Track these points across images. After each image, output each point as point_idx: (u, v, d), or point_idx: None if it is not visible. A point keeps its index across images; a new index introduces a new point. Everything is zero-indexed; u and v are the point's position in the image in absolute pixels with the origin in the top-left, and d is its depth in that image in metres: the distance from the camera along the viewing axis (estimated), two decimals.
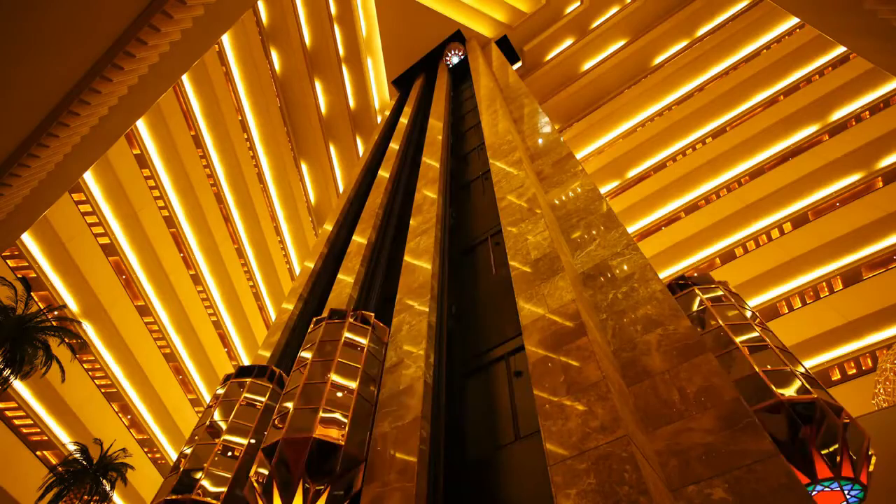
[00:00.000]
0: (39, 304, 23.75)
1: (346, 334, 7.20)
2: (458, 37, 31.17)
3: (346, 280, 11.52)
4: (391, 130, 25.81)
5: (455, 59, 29.89)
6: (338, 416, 5.90)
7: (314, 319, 7.92)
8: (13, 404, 25.22)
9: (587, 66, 33.67)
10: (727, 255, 25.26)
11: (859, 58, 21.88)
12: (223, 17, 13.38)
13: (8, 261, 24.63)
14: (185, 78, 29.78)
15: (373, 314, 7.91)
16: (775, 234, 24.26)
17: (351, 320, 7.50)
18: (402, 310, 8.21)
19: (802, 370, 6.45)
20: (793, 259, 22.24)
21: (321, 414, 5.77)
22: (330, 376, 6.38)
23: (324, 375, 6.45)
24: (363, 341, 7.28)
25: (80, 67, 11.05)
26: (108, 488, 22.73)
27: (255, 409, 7.47)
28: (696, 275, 8.42)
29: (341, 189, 37.30)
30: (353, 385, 6.41)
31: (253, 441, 6.97)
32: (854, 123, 24.14)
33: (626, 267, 6.30)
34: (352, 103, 34.53)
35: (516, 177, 9.33)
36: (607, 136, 33.02)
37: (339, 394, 6.28)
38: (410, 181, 16.54)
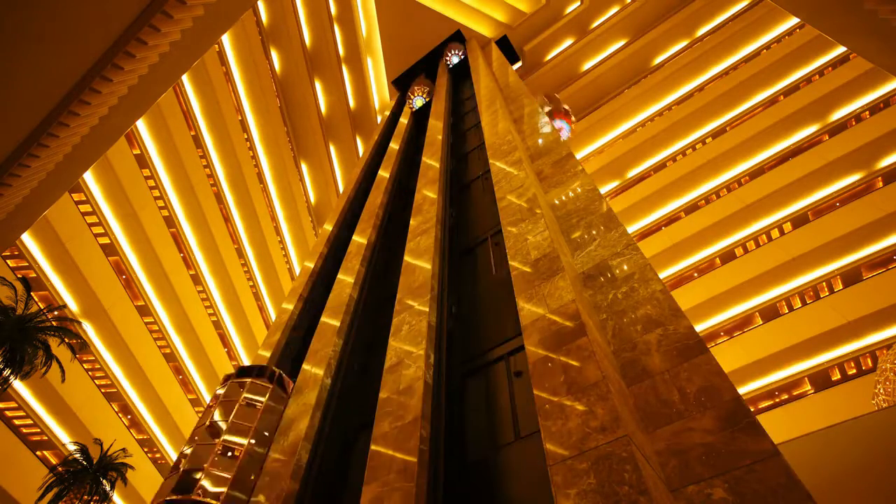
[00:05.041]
0: (39, 304, 23.75)
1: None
2: (458, 37, 31.15)
3: (346, 280, 11.53)
4: (391, 130, 25.82)
5: (455, 59, 29.77)
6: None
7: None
8: (13, 404, 25.21)
9: (587, 66, 33.67)
10: (727, 255, 25.26)
11: (859, 58, 21.87)
12: (223, 17, 13.38)
13: (8, 261, 24.63)
14: (185, 78, 29.78)
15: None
16: (775, 234, 24.26)
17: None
18: (402, 310, 8.21)
19: None
20: (793, 259, 22.23)
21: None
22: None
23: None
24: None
25: (80, 67, 11.05)
26: (108, 488, 22.73)
27: (255, 409, 7.60)
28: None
29: (341, 189, 37.28)
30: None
31: (253, 441, 7.09)
32: (854, 123, 24.14)
33: (626, 267, 6.30)
34: (352, 103, 34.51)
35: (516, 177, 9.33)
36: (607, 136, 33.03)
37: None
38: (410, 181, 16.55)
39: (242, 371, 8.20)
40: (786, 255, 22.45)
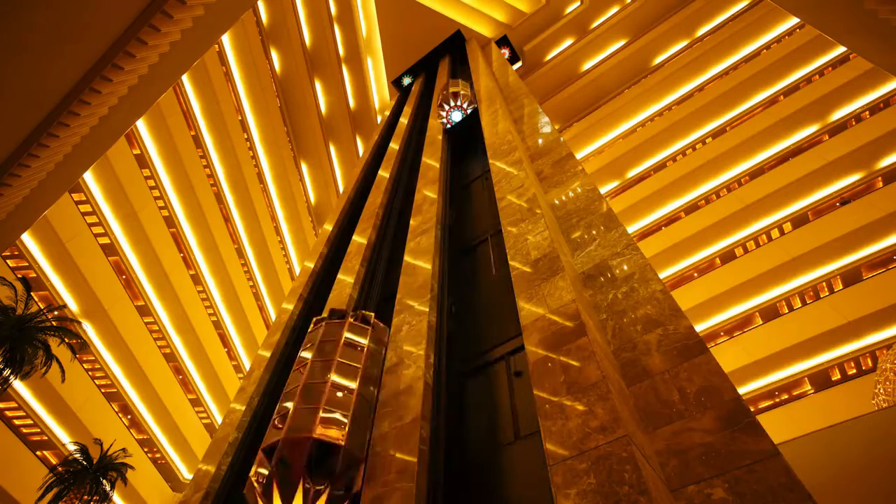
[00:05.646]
0: (39, 304, 23.75)
1: (346, 334, 7.07)
2: (459, 37, 31.16)
3: (346, 280, 11.52)
4: (391, 130, 25.81)
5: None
6: (338, 415, 5.79)
7: (314, 319, 7.87)
8: (13, 404, 25.20)
9: (587, 66, 33.67)
10: (727, 255, 25.26)
11: (859, 58, 21.87)
12: (223, 17, 13.38)
13: (8, 261, 24.62)
14: (185, 78, 29.78)
15: (373, 314, 7.84)
16: (775, 234, 24.26)
17: (351, 320, 7.41)
18: (402, 310, 8.21)
19: None
20: (793, 259, 22.23)
21: (321, 414, 5.70)
22: (330, 376, 6.23)
23: (324, 375, 6.27)
24: (363, 341, 7.14)
25: (80, 67, 11.05)
26: (108, 488, 22.74)
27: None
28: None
29: (341, 189, 37.30)
30: (354, 385, 6.28)
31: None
32: (854, 123, 24.14)
33: (626, 267, 6.30)
34: (352, 103, 34.53)
35: (516, 177, 9.33)
36: (607, 136, 33.03)
37: (339, 394, 6.12)
38: (410, 181, 16.53)
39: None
40: (786, 255, 22.45)
